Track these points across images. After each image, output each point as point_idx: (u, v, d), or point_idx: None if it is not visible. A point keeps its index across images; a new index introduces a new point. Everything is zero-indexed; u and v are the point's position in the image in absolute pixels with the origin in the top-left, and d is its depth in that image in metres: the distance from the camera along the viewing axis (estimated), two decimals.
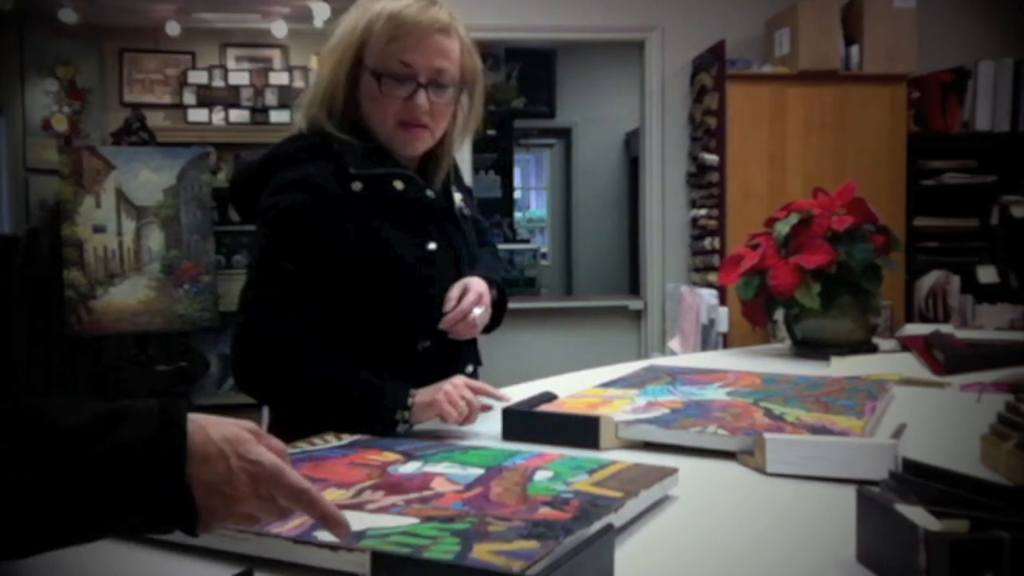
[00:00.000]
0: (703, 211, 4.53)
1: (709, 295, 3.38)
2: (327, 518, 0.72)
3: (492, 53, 7.31)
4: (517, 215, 8.51)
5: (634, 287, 5.72)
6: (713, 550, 0.84)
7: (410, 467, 1.01)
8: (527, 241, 8.28)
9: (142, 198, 5.67)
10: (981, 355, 1.87)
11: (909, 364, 1.87)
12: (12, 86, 6.00)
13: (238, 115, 6.43)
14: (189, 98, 6.44)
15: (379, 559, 0.68)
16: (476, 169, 6.62)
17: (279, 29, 6.18)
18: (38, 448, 0.66)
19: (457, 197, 1.51)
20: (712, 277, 4.32)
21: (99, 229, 5.57)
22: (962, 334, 2.07)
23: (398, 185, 1.38)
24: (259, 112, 6.43)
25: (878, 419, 1.33)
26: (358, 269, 1.34)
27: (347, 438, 1.16)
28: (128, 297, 5.62)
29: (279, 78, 6.52)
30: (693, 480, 1.03)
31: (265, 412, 1.60)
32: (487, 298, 1.42)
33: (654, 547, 0.85)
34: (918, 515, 0.70)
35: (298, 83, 6.43)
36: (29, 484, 0.65)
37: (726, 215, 4.29)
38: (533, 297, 6.87)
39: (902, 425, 1.20)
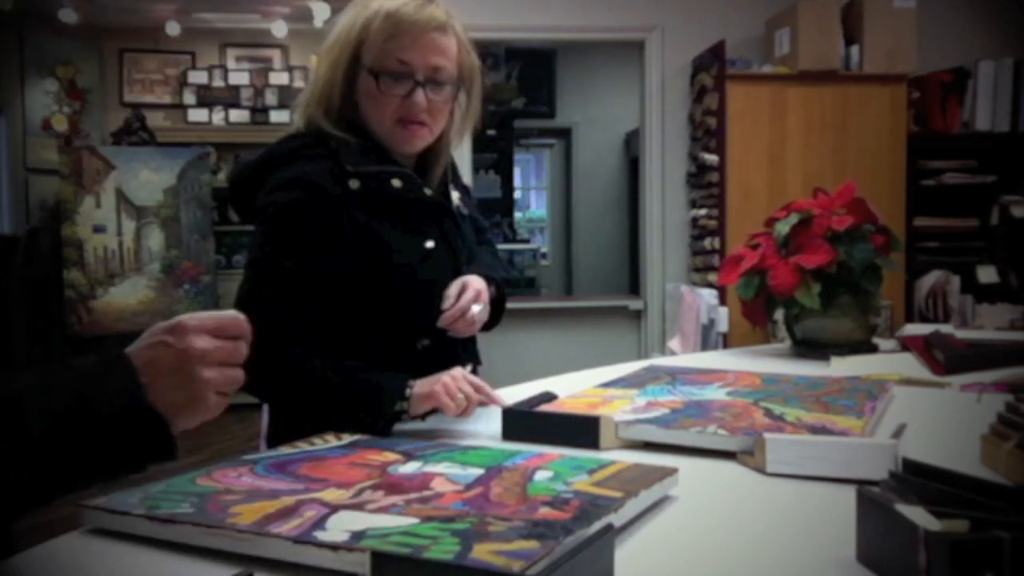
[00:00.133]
0: (703, 211, 4.53)
1: (709, 295, 3.39)
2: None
3: (492, 53, 7.32)
4: (517, 215, 8.51)
5: (634, 287, 5.72)
6: (713, 550, 0.84)
7: (410, 467, 1.01)
8: (527, 241, 8.28)
9: (142, 198, 5.68)
10: (981, 355, 1.86)
11: (909, 364, 1.87)
12: (12, 86, 6.01)
13: (238, 115, 6.43)
14: (189, 98, 6.44)
15: (379, 559, 0.68)
16: (476, 169, 6.62)
17: (279, 29, 6.18)
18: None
19: (455, 195, 1.51)
20: (712, 277, 4.32)
21: (99, 229, 5.57)
22: (962, 334, 2.07)
23: (396, 183, 1.38)
24: (259, 112, 6.44)
25: (878, 419, 1.33)
26: (356, 267, 1.34)
27: (347, 438, 1.16)
28: (128, 297, 5.62)
29: (279, 78, 6.52)
30: (693, 480, 1.03)
31: (265, 412, 1.60)
32: (485, 295, 1.42)
33: (654, 547, 0.85)
34: (918, 515, 0.70)
35: (298, 83, 6.44)
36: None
37: (726, 215, 4.29)
38: (533, 297, 6.87)
39: (902, 425, 1.19)
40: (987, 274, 4.39)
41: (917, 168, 4.36)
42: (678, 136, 4.83)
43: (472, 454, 1.07)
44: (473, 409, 1.29)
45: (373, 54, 1.35)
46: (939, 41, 4.58)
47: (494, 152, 7.70)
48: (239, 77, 6.49)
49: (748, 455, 1.12)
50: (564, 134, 8.42)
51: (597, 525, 0.80)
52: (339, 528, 0.79)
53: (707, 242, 4.47)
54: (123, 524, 0.84)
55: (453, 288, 1.39)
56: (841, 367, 1.81)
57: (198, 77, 6.47)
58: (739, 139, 4.28)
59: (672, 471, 0.99)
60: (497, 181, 7.88)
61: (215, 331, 0.80)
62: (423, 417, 1.34)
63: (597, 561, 0.72)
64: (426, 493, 0.90)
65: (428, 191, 1.42)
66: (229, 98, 6.43)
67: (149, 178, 5.69)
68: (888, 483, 0.82)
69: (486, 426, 1.31)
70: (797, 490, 1.02)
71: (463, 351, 1.47)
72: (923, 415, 1.41)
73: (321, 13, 5.65)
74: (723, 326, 3.23)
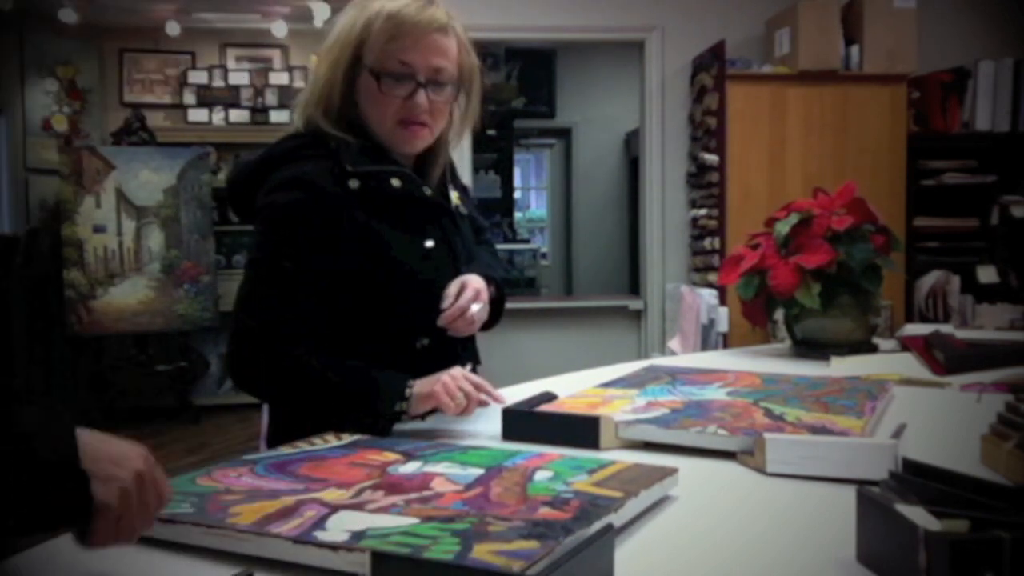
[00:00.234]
0: (703, 211, 4.53)
1: (709, 295, 3.39)
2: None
3: (492, 53, 7.32)
4: (517, 215, 8.51)
5: (634, 287, 5.72)
6: (713, 550, 0.84)
7: (410, 467, 1.01)
8: (527, 241, 8.28)
9: (142, 198, 5.67)
10: (981, 355, 1.86)
11: (909, 364, 1.87)
12: (12, 86, 6.00)
13: (238, 115, 6.43)
14: (189, 98, 6.44)
15: (379, 559, 0.68)
16: (476, 169, 6.62)
17: (279, 29, 6.18)
18: None
19: (454, 195, 1.51)
20: (712, 277, 4.32)
21: (99, 229, 5.57)
22: (962, 334, 2.07)
23: (395, 183, 1.38)
24: (259, 112, 6.43)
25: (878, 419, 1.33)
26: (356, 267, 1.34)
27: (347, 438, 1.16)
28: (128, 297, 5.62)
29: (279, 78, 6.52)
30: (693, 480, 1.03)
31: (265, 412, 1.61)
32: (485, 295, 1.42)
33: (654, 547, 0.85)
34: (918, 515, 0.70)
35: (298, 83, 6.43)
36: None
37: (726, 215, 4.29)
38: (533, 297, 6.87)
39: (902, 425, 1.20)
40: (987, 274, 4.39)
41: (917, 168, 4.36)
42: (678, 136, 4.83)
43: (472, 454, 1.07)
44: (473, 408, 1.30)
45: (374, 55, 1.35)
46: (939, 41, 4.58)
47: (494, 152, 7.70)
48: (239, 77, 6.49)
49: (748, 455, 1.12)
50: (564, 134, 8.42)
51: (597, 525, 0.80)
52: (339, 528, 0.79)
53: (707, 242, 4.47)
54: None
55: (452, 287, 1.39)
56: (841, 367, 1.82)
57: (198, 77, 6.46)
58: (739, 139, 4.28)
59: (672, 471, 0.99)
60: (497, 181, 7.87)
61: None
62: (423, 417, 1.34)
63: (597, 561, 0.72)
64: (426, 493, 0.90)
65: (428, 191, 1.43)
66: (229, 98, 6.43)
67: (149, 178, 5.69)
68: (888, 483, 0.82)
69: (486, 426, 1.31)
70: (797, 490, 1.02)
71: (463, 351, 1.47)
72: (923, 415, 1.41)
73: (321, 13, 5.65)
74: (723, 326, 3.23)
